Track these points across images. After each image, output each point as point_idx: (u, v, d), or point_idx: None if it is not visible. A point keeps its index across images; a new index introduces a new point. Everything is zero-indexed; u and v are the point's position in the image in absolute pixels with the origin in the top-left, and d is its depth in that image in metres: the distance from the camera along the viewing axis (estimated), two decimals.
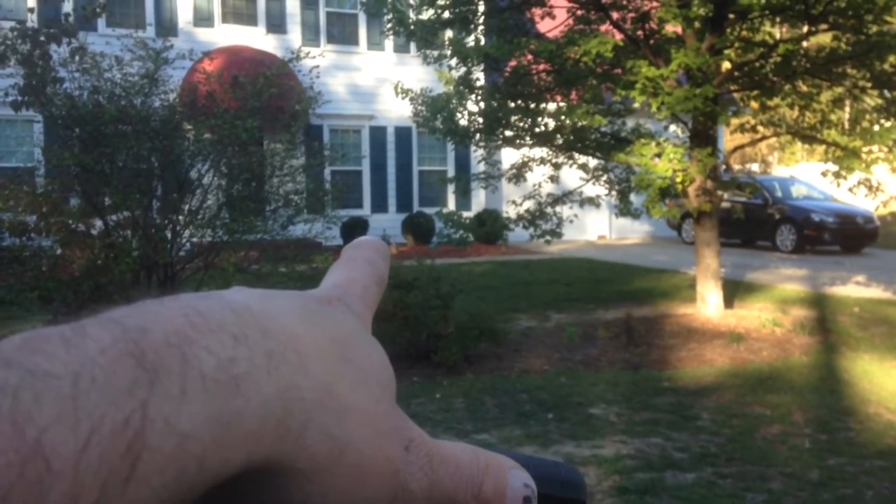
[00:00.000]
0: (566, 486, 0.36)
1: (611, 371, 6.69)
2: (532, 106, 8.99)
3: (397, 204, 17.79)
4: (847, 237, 16.03)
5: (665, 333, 8.01)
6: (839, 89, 8.96)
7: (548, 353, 7.30)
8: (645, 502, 3.95)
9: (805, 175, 21.57)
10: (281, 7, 16.78)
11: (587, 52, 7.40)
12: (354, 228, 15.88)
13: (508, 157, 11.65)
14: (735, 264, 12.83)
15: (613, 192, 9.91)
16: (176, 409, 0.22)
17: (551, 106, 9.14)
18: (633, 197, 9.62)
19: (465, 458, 0.31)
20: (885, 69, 8.07)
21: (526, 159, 9.92)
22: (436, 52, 9.17)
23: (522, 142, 9.25)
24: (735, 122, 9.47)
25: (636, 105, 8.14)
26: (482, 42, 9.22)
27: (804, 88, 9.02)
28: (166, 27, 14.08)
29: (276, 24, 16.71)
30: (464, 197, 11.89)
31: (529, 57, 8.75)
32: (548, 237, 9.47)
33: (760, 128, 9.38)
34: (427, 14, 9.05)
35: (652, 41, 8.61)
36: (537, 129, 9.10)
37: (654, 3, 8.50)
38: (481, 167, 10.88)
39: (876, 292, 10.63)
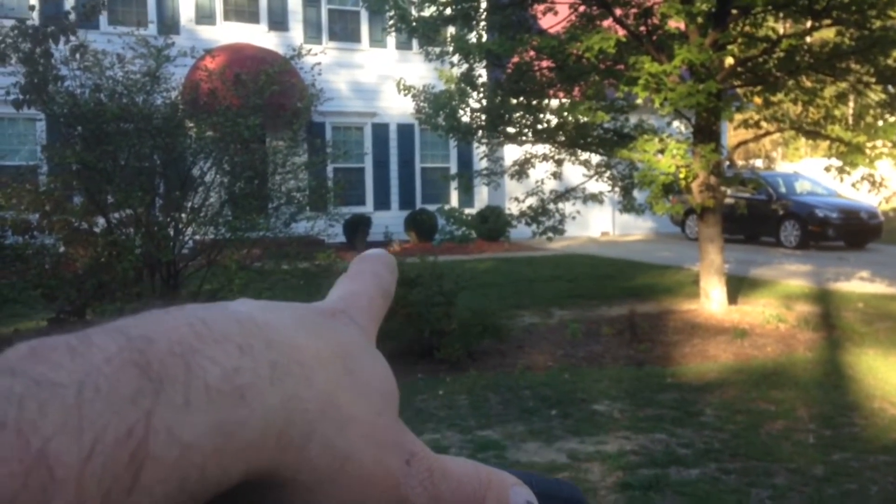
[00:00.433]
0: None
1: (614, 367, 6.69)
2: (534, 102, 8.99)
3: (400, 201, 17.80)
4: (851, 233, 16.00)
5: (669, 330, 8.00)
6: (843, 85, 8.94)
7: (551, 350, 7.31)
8: (649, 498, 3.95)
9: (809, 171, 21.56)
10: (283, 4, 16.78)
11: (590, 48, 7.39)
12: (357, 226, 15.85)
13: (511, 153, 11.66)
14: (739, 260, 12.82)
15: (616, 189, 9.90)
16: (180, 418, 0.22)
17: (554, 102, 9.14)
18: (636, 193, 9.61)
19: (467, 474, 0.31)
20: (888, 64, 8.06)
21: (528, 156, 9.92)
22: (438, 49, 9.16)
23: (525, 138, 9.25)
24: (738, 117, 9.47)
25: (639, 101, 8.14)
26: (484, 38, 9.22)
27: (808, 84, 8.99)
28: (168, 25, 14.11)
29: (278, 22, 16.71)
30: (466, 194, 11.86)
31: (532, 53, 8.75)
32: (550, 234, 9.47)
33: (764, 123, 9.36)
34: (429, 11, 9.05)
35: (655, 37, 8.60)
36: (540, 126, 9.10)
37: None
38: (484, 164, 10.88)
39: (880, 288, 10.62)
